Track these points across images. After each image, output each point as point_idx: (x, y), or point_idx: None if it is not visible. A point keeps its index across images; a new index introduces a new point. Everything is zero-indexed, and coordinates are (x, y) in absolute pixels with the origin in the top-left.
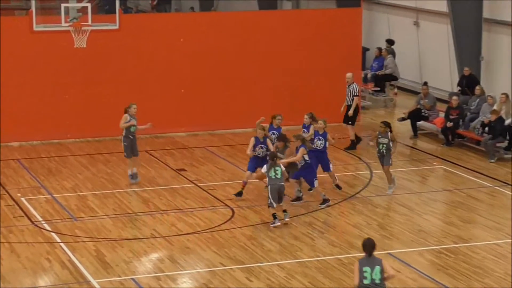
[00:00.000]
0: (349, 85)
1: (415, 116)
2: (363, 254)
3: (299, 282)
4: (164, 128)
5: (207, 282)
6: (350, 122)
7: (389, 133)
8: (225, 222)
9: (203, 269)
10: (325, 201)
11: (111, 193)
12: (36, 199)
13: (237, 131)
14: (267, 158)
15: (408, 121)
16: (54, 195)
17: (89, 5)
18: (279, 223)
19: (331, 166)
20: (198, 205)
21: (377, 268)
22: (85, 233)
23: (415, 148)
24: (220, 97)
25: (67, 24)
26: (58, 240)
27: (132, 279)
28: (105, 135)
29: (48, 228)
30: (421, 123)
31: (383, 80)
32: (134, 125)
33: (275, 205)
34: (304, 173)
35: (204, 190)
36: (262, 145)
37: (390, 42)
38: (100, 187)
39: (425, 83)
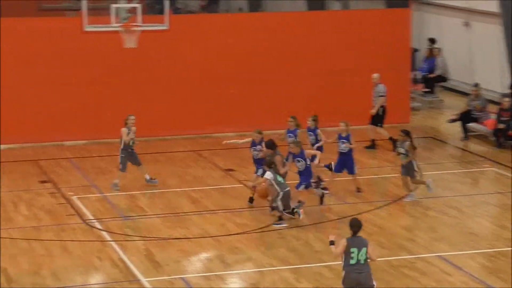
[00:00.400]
0: (376, 86)
1: (465, 117)
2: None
3: None
4: (213, 128)
5: (255, 282)
6: (379, 124)
7: (407, 143)
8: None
9: (251, 269)
10: (293, 210)
11: (160, 193)
12: (88, 198)
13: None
14: (263, 165)
15: (459, 123)
16: (105, 194)
17: (139, 5)
18: (285, 225)
19: (355, 169)
20: (247, 205)
21: (364, 249)
22: (135, 232)
23: (465, 150)
24: (268, 98)
25: (117, 25)
26: (109, 239)
27: (182, 278)
28: (154, 135)
29: (99, 227)
30: (471, 124)
31: (433, 82)
32: (133, 139)
33: (281, 208)
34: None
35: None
36: (257, 147)
37: (432, 41)
38: (150, 187)
39: (476, 85)
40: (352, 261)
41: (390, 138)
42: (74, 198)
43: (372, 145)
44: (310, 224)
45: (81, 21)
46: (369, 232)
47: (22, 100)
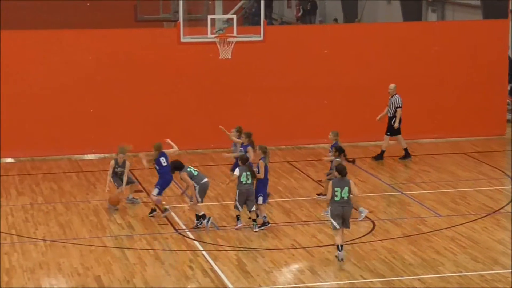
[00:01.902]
0: (392, 96)
1: None
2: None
3: None
4: (306, 139)
5: None
6: (388, 133)
7: (336, 159)
8: (366, 234)
9: (343, 281)
10: (264, 224)
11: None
12: (180, 207)
13: (380, 143)
14: (238, 161)
15: None
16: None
17: (234, 16)
18: (241, 225)
19: None
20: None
21: (346, 188)
22: (227, 242)
23: None
24: (363, 109)
25: (213, 36)
26: (201, 249)
27: None
28: None
29: (191, 237)
30: None
31: None
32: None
33: (240, 208)
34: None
35: None
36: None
37: None
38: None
39: None
40: (337, 198)
41: (383, 151)
42: (167, 207)
43: (407, 154)
44: (402, 237)
45: (178, 32)
46: (462, 245)
47: (123, 107)
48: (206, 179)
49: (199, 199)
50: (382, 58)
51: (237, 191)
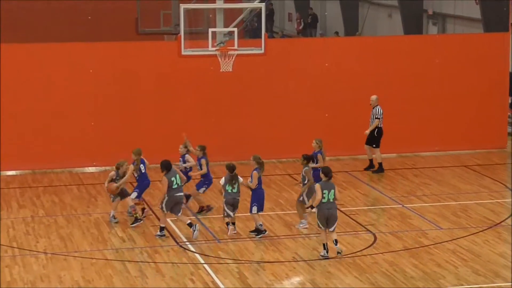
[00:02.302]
0: (373, 108)
1: None
2: None
3: None
4: (306, 152)
5: None
6: (374, 145)
7: (306, 168)
8: (367, 247)
9: None
10: (259, 232)
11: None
12: (181, 220)
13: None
14: (227, 169)
15: None
16: (198, 217)
17: (235, 29)
18: (235, 232)
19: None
20: (340, 229)
21: (332, 191)
22: (228, 255)
23: None
24: (364, 122)
25: (214, 48)
26: (202, 262)
27: None
28: (248, 158)
29: (192, 249)
30: None
31: None
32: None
33: (232, 214)
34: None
35: (346, 215)
36: (181, 159)
37: None
38: (243, 210)
39: None
40: (324, 200)
41: (374, 161)
42: (168, 220)
43: (371, 165)
44: (404, 250)
45: (179, 45)
46: (464, 258)
47: (124, 120)
48: (181, 194)
49: (164, 210)
50: (383, 71)
51: (224, 199)
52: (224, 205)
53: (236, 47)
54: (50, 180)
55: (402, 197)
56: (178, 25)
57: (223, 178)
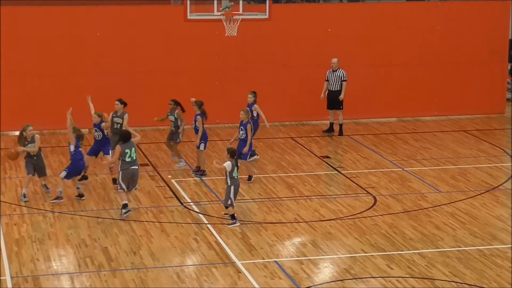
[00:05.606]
0: (334, 71)
1: None
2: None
3: (439, 271)
4: (309, 116)
5: (348, 268)
6: (341, 107)
7: (176, 111)
8: (367, 209)
9: (344, 255)
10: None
11: (257, 178)
12: (186, 181)
13: (381, 120)
14: (229, 154)
15: None
16: (202, 178)
17: None
18: (238, 224)
19: (247, 156)
20: (341, 192)
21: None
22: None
23: None
24: (367, 87)
25: (219, 13)
26: (206, 222)
27: (275, 261)
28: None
29: (196, 210)
30: None
31: None
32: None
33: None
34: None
35: (348, 178)
36: (97, 129)
37: None
38: (247, 172)
39: None
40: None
41: (338, 123)
42: (173, 181)
43: (331, 128)
44: (403, 212)
45: (185, 10)
46: (462, 221)
47: (129, 84)
48: (135, 167)
49: (123, 187)
50: (385, 37)
51: (232, 187)
52: (232, 195)
53: (241, 12)
54: (58, 140)
55: (402, 161)
56: None
57: (229, 163)
